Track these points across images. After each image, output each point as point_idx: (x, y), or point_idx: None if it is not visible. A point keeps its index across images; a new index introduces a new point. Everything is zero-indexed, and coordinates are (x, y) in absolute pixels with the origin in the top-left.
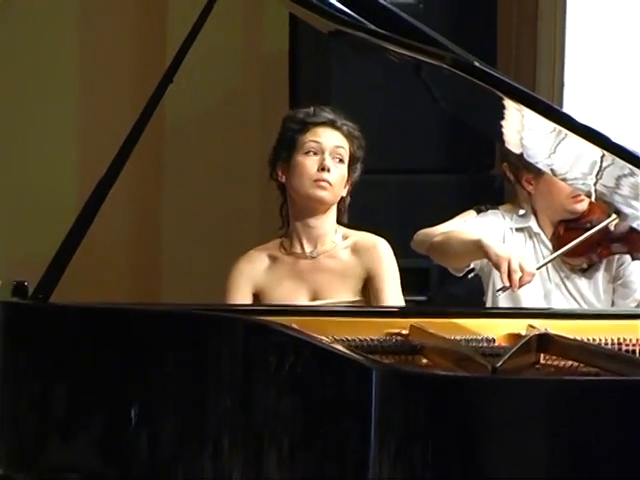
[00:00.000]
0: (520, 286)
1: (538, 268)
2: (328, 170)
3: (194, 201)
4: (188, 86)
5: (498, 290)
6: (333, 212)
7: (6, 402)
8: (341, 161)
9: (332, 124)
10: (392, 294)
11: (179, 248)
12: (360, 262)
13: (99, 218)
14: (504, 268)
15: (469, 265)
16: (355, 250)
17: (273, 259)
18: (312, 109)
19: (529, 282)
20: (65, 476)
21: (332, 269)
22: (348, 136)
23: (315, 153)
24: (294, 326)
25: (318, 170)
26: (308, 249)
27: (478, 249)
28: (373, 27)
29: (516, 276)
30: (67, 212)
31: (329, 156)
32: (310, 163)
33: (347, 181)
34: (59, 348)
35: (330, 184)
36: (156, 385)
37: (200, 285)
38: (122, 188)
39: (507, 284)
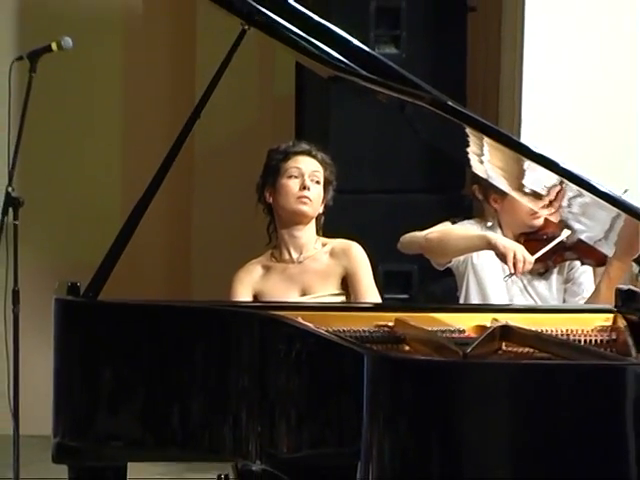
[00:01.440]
0: (522, 273)
1: (535, 259)
2: (308, 189)
3: (218, 216)
4: (213, 121)
5: (505, 277)
6: (313, 224)
7: (62, 383)
8: (317, 182)
9: (309, 153)
10: (368, 285)
11: (206, 254)
12: (338, 263)
13: (139, 229)
14: (510, 257)
15: (450, 261)
16: (333, 253)
17: (266, 268)
18: (291, 142)
19: (528, 270)
20: (111, 443)
21: (316, 270)
22: (322, 162)
23: (296, 176)
24: (300, 319)
25: (300, 189)
26: (295, 255)
27: (485, 243)
28: (365, 73)
29: (520, 264)
30: (112, 225)
31: (308, 178)
32: (293, 184)
33: (322, 201)
34: (106, 337)
35: (310, 200)
36: (187, 368)
37: (224, 286)
38: (158, 205)
39: (512, 271)
